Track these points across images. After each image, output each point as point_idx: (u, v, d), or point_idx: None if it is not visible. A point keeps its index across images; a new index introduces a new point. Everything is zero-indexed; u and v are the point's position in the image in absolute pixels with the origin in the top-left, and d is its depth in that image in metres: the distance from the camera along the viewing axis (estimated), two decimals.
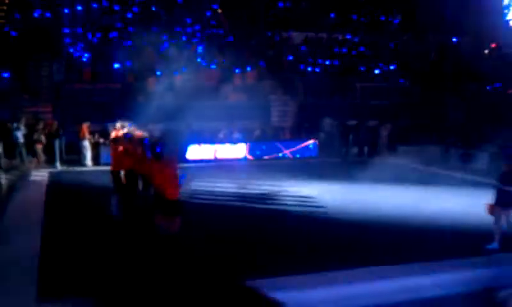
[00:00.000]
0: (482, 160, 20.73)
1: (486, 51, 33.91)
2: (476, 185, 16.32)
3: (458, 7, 32.95)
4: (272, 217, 12.51)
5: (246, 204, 13.77)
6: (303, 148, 23.39)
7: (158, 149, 8.92)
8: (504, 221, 10.11)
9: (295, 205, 13.73)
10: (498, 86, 31.23)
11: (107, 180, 12.56)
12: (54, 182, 16.85)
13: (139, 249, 9.42)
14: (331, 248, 9.96)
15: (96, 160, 20.32)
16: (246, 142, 23.18)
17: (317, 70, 28.55)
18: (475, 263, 9.27)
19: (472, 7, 31.86)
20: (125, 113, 17.79)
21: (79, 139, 20.40)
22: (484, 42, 33.44)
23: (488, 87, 30.89)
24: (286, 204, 13.82)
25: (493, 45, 33.66)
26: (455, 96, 29.58)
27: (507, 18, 32.87)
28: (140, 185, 11.82)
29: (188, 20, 28.49)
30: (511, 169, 10.06)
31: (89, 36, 26.16)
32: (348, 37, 31.30)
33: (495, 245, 10.06)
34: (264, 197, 14.66)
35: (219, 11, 30.49)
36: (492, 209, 10.13)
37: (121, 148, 11.85)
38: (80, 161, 20.27)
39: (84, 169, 19.79)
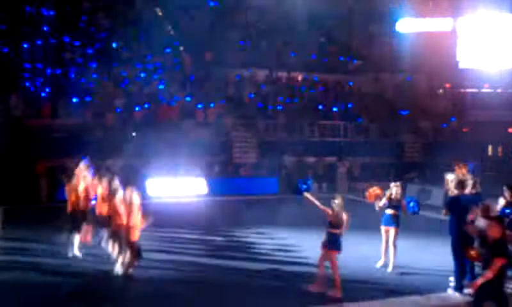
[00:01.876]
0: (439, 197, 21.22)
1: (441, 90, 35.08)
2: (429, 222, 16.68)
3: (413, 47, 34.11)
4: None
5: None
6: (264, 184, 23.55)
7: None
8: None
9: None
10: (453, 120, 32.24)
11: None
12: None
13: None
14: None
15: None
16: (205, 178, 23.21)
17: (278, 107, 28.96)
18: None
19: (426, 48, 33.03)
20: (84, 149, 17.67)
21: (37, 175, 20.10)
22: (439, 81, 34.62)
23: (443, 125, 31.88)
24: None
25: (447, 85, 34.86)
26: (411, 133, 30.40)
27: (457, 59, 34.14)
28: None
29: (149, 57, 28.59)
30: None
31: (49, 71, 25.93)
32: (306, 76, 31.93)
33: None
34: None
35: (181, 48, 30.72)
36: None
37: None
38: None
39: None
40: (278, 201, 21.07)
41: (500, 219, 8.34)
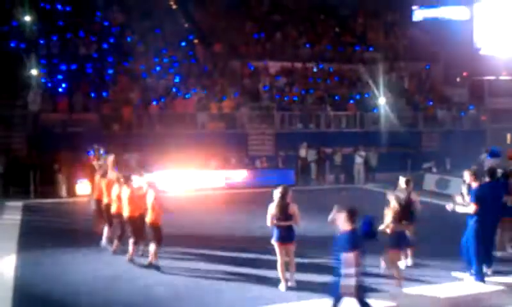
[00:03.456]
0: (457, 186, 21.00)
1: (458, 79, 34.68)
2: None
3: (430, 36, 33.76)
4: None
5: None
6: (280, 176, 23.46)
7: None
8: None
9: None
10: (471, 108, 31.88)
11: None
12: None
13: None
14: None
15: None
16: (223, 170, 23.22)
17: (293, 98, 28.84)
18: None
19: (443, 36, 32.65)
20: (101, 143, 17.77)
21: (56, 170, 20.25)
22: (456, 69, 34.22)
23: (461, 114, 31.53)
24: None
25: (465, 73, 34.44)
26: (429, 123, 30.10)
27: (477, 46, 33.72)
28: None
29: (164, 50, 28.62)
30: None
31: (65, 67, 26.08)
32: (321, 67, 31.75)
33: None
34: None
35: (196, 41, 30.72)
36: None
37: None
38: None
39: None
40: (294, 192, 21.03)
41: None
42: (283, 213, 9.47)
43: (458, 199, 10.54)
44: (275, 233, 9.59)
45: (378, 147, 26.28)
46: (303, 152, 25.10)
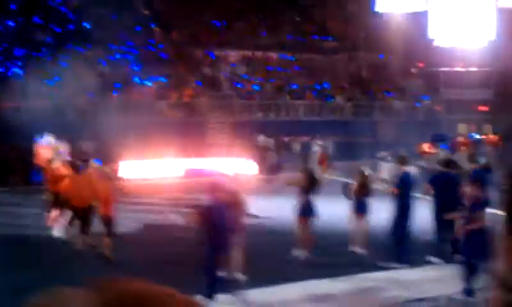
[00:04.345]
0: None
1: (414, 69, 35.39)
2: None
3: (388, 27, 34.28)
4: None
5: None
6: (239, 164, 23.57)
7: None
8: None
9: None
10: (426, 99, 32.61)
11: None
12: None
13: None
14: None
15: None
16: (181, 159, 23.17)
17: (253, 87, 28.96)
18: None
19: (400, 28, 33.21)
20: (56, 131, 17.51)
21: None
22: (412, 60, 34.89)
23: (416, 104, 32.22)
24: None
25: (421, 64, 35.17)
26: (385, 113, 30.69)
27: (431, 37, 34.43)
28: None
29: (123, 37, 28.24)
30: None
31: (19, 53, 25.49)
32: (282, 56, 31.93)
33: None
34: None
35: (155, 28, 30.43)
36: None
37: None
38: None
39: None
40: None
41: None
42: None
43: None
44: None
45: (335, 136, 26.66)
46: (261, 141, 25.27)
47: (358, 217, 11.23)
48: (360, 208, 11.21)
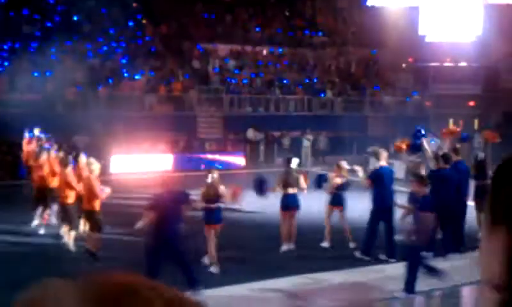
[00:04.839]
0: (400, 171, 21.59)
1: (404, 65, 35.44)
2: None
3: (378, 22, 34.29)
4: None
5: None
6: (230, 159, 23.55)
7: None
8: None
9: None
10: (416, 94, 32.71)
11: None
12: None
13: None
14: None
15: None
16: (170, 154, 23.07)
17: (243, 81, 28.89)
18: None
19: (390, 22, 33.23)
20: (45, 125, 17.34)
21: None
22: (402, 56, 34.93)
23: (406, 99, 32.30)
24: None
25: (410, 59, 35.23)
26: (375, 108, 30.75)
27: (422, 33, 34.50)
28: None
29: (111, 30, 28.05)
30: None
31: (7, 45, 25.22)
32: (272, 50, 31.87)
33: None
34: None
35: (144, 21, 30.24)
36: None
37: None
38: None
39: None
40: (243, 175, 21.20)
41: None
42: (213, 195, 9.65)
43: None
44: (204, 215, 9.78)
45: (325, 131, 26.69)
46: (251, 135, 25.25)
47: (334, 210, 11.28)
48: (337, 201, 11.20)
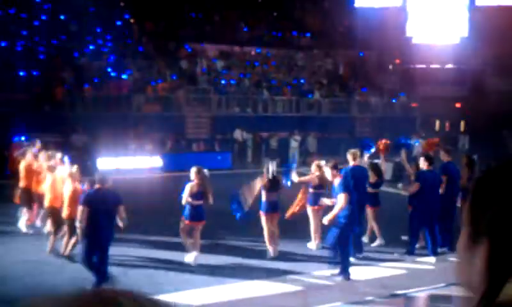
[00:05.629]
0: (388, 172, 21.70)
1: (391, 66, 35.66)
2: None
3: (365, 23, 34.45)
4: None
5: None
6: (217, 159, 23.52)
7: None
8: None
9: None
10: (402, 95, 32.89)
11: None
12: None
13: None
14: None
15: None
16: (158, 154, 22.99)
17: (231, 82, 28.89)
18: None
19: (377, 24, 33.41)
20: (31, 125, 17.25)
21: None
22: (389, 57, 35.15)
23: (393, 100, 32.48)
24: None
25: (397, 61, 35.45)
26: (363, 109, 30.88)
27: (409, 35, 34.75)
28: None
29: (98, 29, 27.91)
30: None
31: None
32: (259, 51, 31.91)
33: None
34: None
35: (131, 20, 30.12)
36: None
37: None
38: None
39: None
40: (230, 175, 21.19)
41: None
42: (198, 192, 9.79)
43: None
44: (189, 212, 9.84)
45: (313, 132, 26.76)
46: (238, 135, 25.26)
47: (313, 209, 11.25)
48: (315, 201, 11.15)
